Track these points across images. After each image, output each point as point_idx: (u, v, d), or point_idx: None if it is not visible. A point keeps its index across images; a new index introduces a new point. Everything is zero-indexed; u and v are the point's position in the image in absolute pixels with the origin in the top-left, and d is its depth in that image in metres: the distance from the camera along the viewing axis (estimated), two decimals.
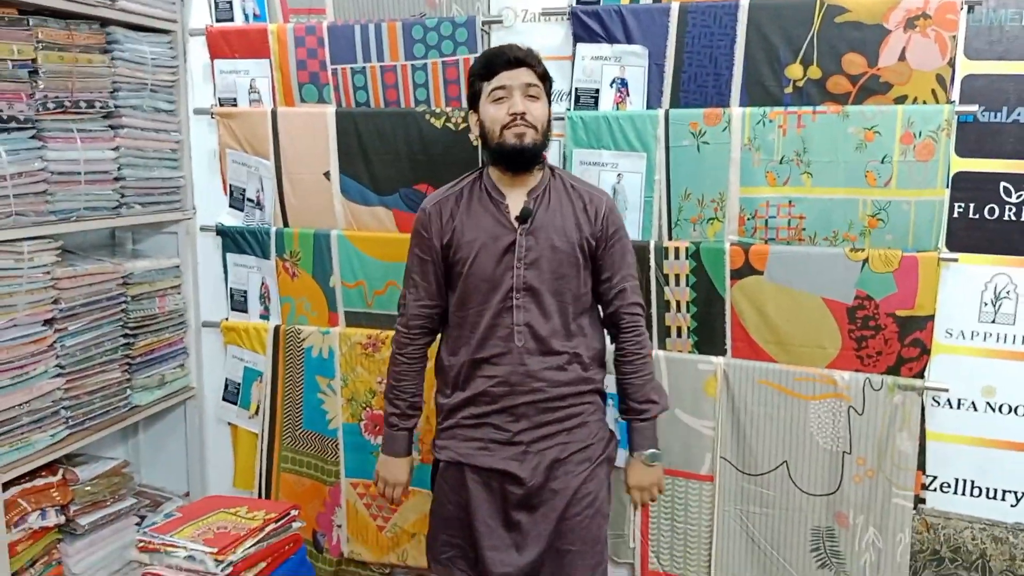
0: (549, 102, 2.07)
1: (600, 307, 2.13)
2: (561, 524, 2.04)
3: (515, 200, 2.03)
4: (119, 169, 2.70)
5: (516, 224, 2.01)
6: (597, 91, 2.52)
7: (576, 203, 2.05)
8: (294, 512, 2.36)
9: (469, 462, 2.06)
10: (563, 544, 2.05)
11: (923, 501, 2.39)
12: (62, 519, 2.56)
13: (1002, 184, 2.26)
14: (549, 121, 2.05)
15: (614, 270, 2.06)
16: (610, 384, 2.18)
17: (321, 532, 2.96)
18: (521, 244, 2.00)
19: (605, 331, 2.16)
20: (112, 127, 2.68)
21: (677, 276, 2.48)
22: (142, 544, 2.18)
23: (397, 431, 2.18)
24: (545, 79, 2.05)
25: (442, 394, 2.13)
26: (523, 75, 1.99)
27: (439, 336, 2.19)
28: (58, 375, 2.50)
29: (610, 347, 2.16)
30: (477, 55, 2.52)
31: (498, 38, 2.60)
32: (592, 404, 2.10)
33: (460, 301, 2.07)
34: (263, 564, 2.19)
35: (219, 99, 2.91)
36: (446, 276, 2.11)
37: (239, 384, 3.02)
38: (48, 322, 2.46)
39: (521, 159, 2.00)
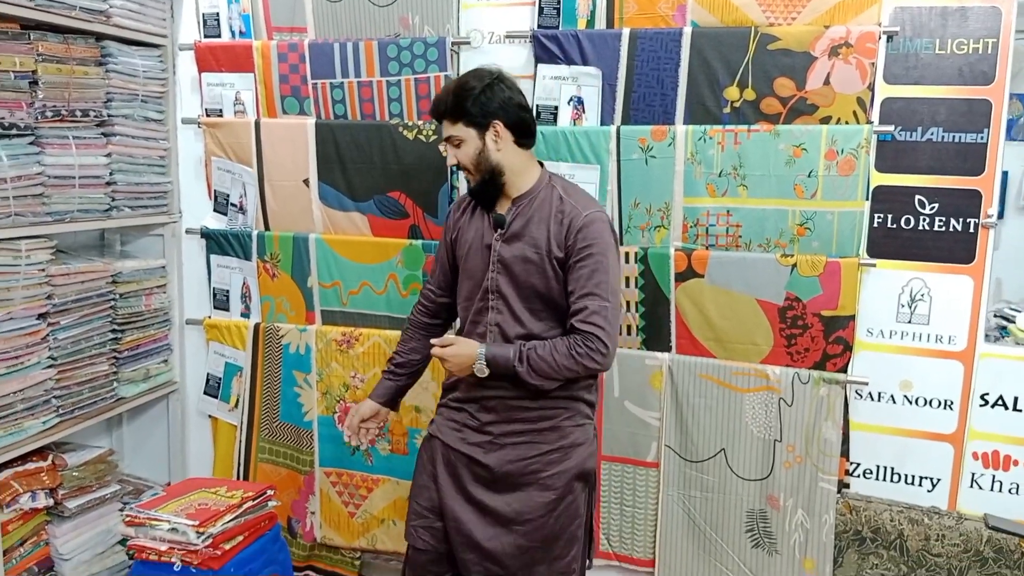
0: (483, 129, 2.05)
1: None
2: (524, 521, 2.10)
3: (503, 208, 2.13)
4: (111, 174, 2.82)
5: (496, 230, 2.11)
6: (556, 108, 2.68)
7: (555, 215, 2.05)
8: (270, 492, 2.50)
9: (442, 438, 2.20)
10: (524, 541, 2.11)
11: (847, 486, 2.55)
12: (51, 502, 2.68)
13: (917, 197, 2.43)
14: (481, 155, 2.06)
15: (577, 286, 2.00)
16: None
17: (295, 519, 3.09)
18: (495, 249, 2.09)
19: None
20: (105, 135, 2.80)
21: (628, 278, 2.63)
22: (129, 518, 2.32)
23: (383, 379, 2.37)
24: (465, 115, 2.05)
25: (447, 374, 2.28)
26: (445, 128, 2.09)
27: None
28: (50, 366, 2.62)
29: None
30: (447, 72, 2.71)
31: (466, 58, 2.77)
32: (567, 410, 2.11)
33: (457, 294, 2.25)
34: (240, 538, 2.33)
35: (206, 110, 3.04)
36: (452, 269, 2.28)
37: (220, 379, 3.15)
38: (42, 316, 2.58)
39: (479, 199, 2.15)
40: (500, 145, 2.07)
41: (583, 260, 2.00)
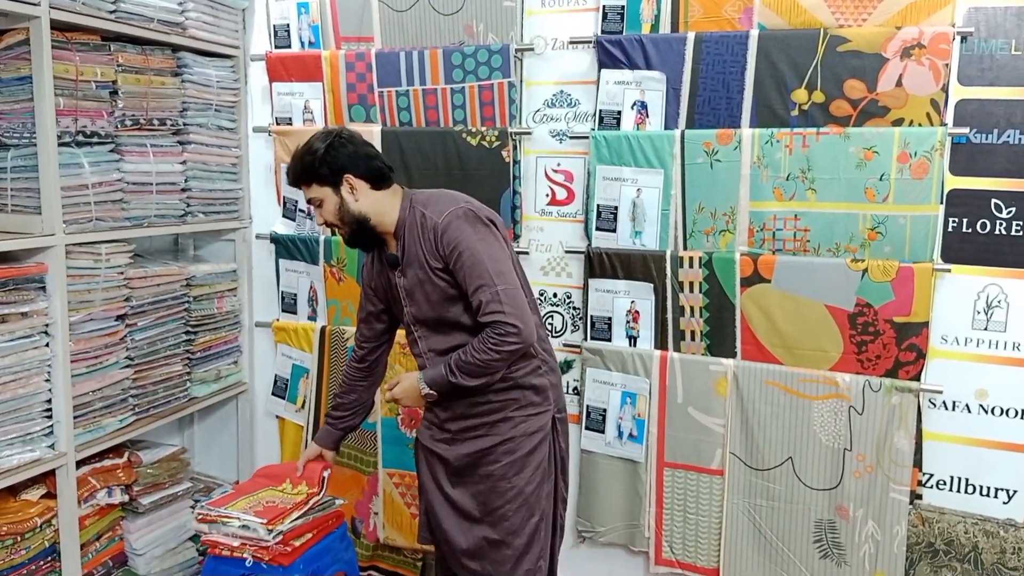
0: (336, 185, 2.14)
1: None
2: (488, 513, 2.17)
3: (393, 246, 2.22)
4: (186, 181, 2.93)
5: (395, 272, 2.21)
6: (619, 113, 2.69)
7: (422, 231, 2.13)
8: (326, 474, 2.56)
9: (421, 439, 2.31)
10: (489, 533, 2.17)
11: (919, 497, 2.49)
12: (126, 498, 2.78)
13: (993, 200, 2.37)
14: (341, 208, 2.15)
15: (468, 285, 2.06)
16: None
17: (359, 519, 3.14)
18: (400, 286, 2.20)
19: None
20: (180, 143, 2.90)
21: (691, 284, 2.63)
22: (201, 516, 2.38)
23: (328, 425, 2.52)
24: (315, 178, 2.14)
25: None
26: (305, 192, 2.20)
27: None
28: (127, 366, 2.72)
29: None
30: (510, 79, 2.74)
31: (530, 64, 2.81)
32: (515, 400, 2.17)
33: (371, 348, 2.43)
34: (309, 535, 2.36)
35: (276, 118, 3.13)
36: (378, 315, 2.38)
37: (287, 380, 3.22)
38: (120, 317, 2.68)
39: (361, 246, 2.27)
40: (357, 195, 2.15)
41: (457, 261, 2.07)
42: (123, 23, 2.61)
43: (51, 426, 2.46)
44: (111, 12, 2.56)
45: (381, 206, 2.18)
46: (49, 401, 2.45)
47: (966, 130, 2.36)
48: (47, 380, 2.43)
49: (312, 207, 2.23)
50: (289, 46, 3.10)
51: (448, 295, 2.12)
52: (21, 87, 2.40)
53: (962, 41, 2.35)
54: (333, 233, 2.25)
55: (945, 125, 2.36)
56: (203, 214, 3.03)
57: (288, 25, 3.08)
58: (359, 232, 2.19)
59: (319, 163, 2.13)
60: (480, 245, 2.07)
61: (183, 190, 2.93)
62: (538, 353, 2.21)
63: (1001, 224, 2.38)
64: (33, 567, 2.43)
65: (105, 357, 2.62)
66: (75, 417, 2.51)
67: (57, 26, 2.40)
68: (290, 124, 3.10)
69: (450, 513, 2.23)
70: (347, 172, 2.13)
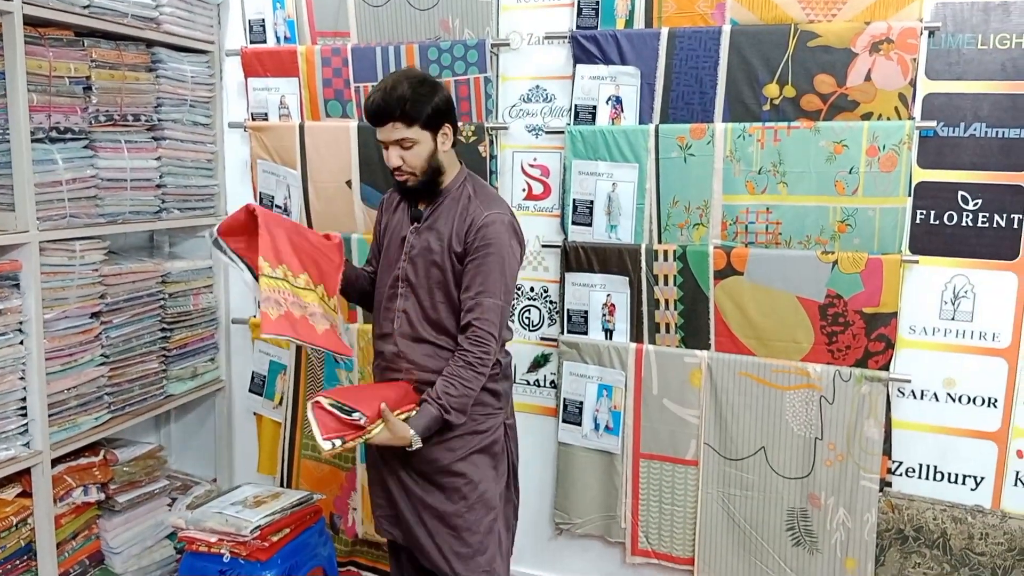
0: (436, 131, 2.08)
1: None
2: (435, 506, 2.16)
3: (423, 203, 2.21)
4: (160, 177, 2.91)
5: (412, 223, 2.20)
6: (594, 107, 2.71)
7: (461, 213, 2.12)
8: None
9: None
10: (442, 526, 2.16)
11: (889, 484, 2.54)
12: (102, 496, 2.76)
13: (960, 193, 2.41)
14: (432, 156, 2.09)
15: (472, 283, 2.06)
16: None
17: (338, 514, 3.14)
18: (409, 241, 2.18)
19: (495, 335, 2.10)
20: (155, 139, 2.89)
21: (666, 276, 2.65)
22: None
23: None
24: (418, 120, 2.05)
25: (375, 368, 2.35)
26: (391, 131, 2.06)
27: None
28: (103, 363, 2.70)
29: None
30: (486, 74, 2.75)
31: (506, 59, 2.82)
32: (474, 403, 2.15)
33: (377, 278, 2.31)
34: (287, 530, 2.39)
35: (251, 114, 3.11)
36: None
37: (264, 377, 3.21)
38: (95, 315, 2.66)
39: (411, 196, 2.20)
40: (446, 146, 2.13)
41: (479, 258, 2.06)
42: (97, 18, 2.59)
43: (26, 424, 2.44)
44: (84, 7, 2.54)
45: (450, 164, 2.17)
46: (24, 399, 2.44)
47: (933, 124, 2.40)
48: (21, 378, 2.42)
49: (387, 147, 2.10)
50: (264, 41, 3.09)
51: (444, 277, 2.12)
52: None
53: (930, 36, 2.39)
54: (393, 177, 2.14)
55: (913, 119, 2.40)
56: (178, 210, 3.02)
57: (263, 20, 3.07)
58: (430, 183, 2.14)
59: (429, 105, 2.04)
60: (508, 258, 2.09)
61: (158, 186, 2.91)
62: (500, 360, 2.22)
63: (968, 216, 2.42)
64: (9, 566, 2.42)
65: (80, 355, 2.61)
66: (50, 415, 2.49)
67: (30, 21, 2.38)
68: (266, 120, 3.08)
69: (408, 505, 2.22)
70: (446, 120, 2.10)
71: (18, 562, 2.45)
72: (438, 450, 2.13)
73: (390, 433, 2.01)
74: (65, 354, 2.55)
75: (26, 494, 2.48)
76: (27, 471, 2.45)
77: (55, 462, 2.56)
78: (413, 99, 2.03)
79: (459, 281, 2.11)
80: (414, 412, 2.06)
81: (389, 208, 2.31)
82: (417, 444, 2.03)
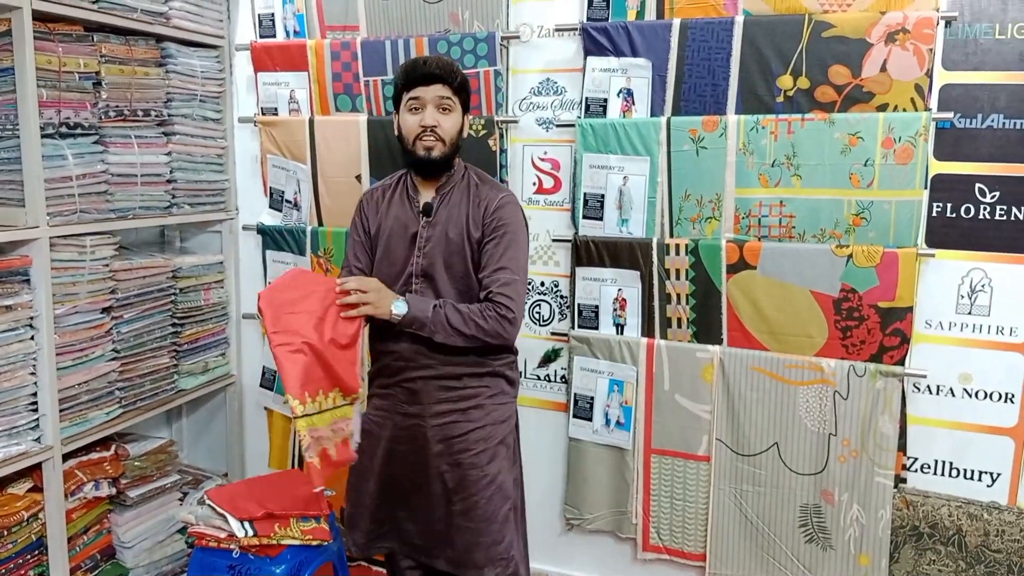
0: (466, 112, 2.23)
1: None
2: (458, 502, 2.16)
3: (426, 196, 2.22)
4: (171, 172, 2.91)
5: (421, 218, 2.20)
6: (605, 100, 2.68)
7: (472, 200, 2.18)
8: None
9: (373, 430, 2.25)
10: (462, 521, 2.17)
11: (904, 480, 2.51)
12: (113, 491, 2.77)
13: (977, 185, 2.38)
14: (461, 132, 2.20)
15: (491, 260, 2.12)
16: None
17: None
18: (422, 235, 2.18)
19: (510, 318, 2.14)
20: (165, 134, 2.88)
21: (678, 271, 2.63)
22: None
23: None
24: (462, 92, 2.19)
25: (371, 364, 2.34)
26: (437, 89, 2.13)
27: None
28: (114, 358, 2.70)
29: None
30: (496, 67, 2.73)
31: (516, 52, 2.80)
32: (488, 387, 2.21)
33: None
34: None
35: (261, 108, 3.11)
36: (372, 255, 2.31)
37: (275, 371, 3.19)
38: (106, 310, 2.67)
39: (428, 168, 2.19)
40: (466, 130, 2.25)
41: (497, 238, 2.14)
42: (106, 13, 2.59)
43: (37, 419, 2.44)
44: (94, 2, 2.54)
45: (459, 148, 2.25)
46: (35, 394, 2.44)
47: (950, 115, 2.37)
48: (32, 373, 2.42)
49: (422, 108, 2.14)
50: (274, 35, 3.08)
51: (465, 265, 2.16)
52: (3, 79, 2.38)
53: (946, 26, 2.36)
54: (413, 148, 2.16)
55: (929, 110, 2.36)
56: (189, 205, 3.02)
57: (273, 14, 3.06)
58: (450, 157, 2.19)
59: (468, 83, 2.23)
60: (521, 238, 2.18)
61: (168, 181, 2.91)
62: (514, 351, 2.28)
63: (985, 209, 2.38)
64: (20, 560, 2.42)
65: (91, 350, 2.61)
66: (61, 410, 2.50)
67: (39, 17, 2.37)
68: (276, 114, 3.08)
69: (395, 506, 2.22)
70: (470, 107, 2.26)
71: (29, 557, 2.45)
72: (474, 455, 2.16)
73: (376, 285, 2.10)
74: (76, 349, 2.55)
75: (37, 489, 2.49)
76: (38, 466, 2.46)
77: (66, 457, 2.56)
78: (461, 73, 2.18)
79: (478, 265, 2.16)
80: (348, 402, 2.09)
81: (375, 207, 2.30)
82: (399, 308, 2.06)
